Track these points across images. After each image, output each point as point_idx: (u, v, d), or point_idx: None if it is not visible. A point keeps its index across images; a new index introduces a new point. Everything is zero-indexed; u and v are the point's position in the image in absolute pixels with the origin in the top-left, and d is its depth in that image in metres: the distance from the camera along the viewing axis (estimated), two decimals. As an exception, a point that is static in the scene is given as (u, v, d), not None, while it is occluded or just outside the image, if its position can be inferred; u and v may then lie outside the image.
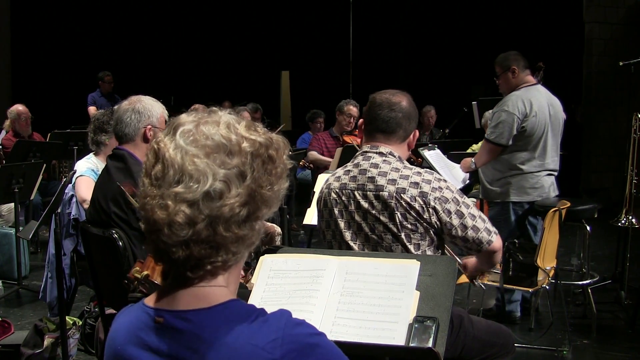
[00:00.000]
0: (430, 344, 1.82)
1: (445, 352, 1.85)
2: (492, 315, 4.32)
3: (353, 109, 6.52)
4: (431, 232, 2.41)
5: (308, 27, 11.36)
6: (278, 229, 4.76)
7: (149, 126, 2.98)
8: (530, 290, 3.92)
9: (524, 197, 4.28)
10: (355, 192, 2.45)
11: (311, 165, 6.77)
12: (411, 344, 1.83)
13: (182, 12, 11.51)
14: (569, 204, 3.98)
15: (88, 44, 10.84)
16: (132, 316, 1.20)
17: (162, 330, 1.15)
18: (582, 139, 9.14)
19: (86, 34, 10.92)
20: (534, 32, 9.32)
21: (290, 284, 2.03)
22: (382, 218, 2.40)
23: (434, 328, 1.85)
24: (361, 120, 2.63)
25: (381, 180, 2.41)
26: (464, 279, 3.88)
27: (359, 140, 5.72)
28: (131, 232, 2.80)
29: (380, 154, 2.48)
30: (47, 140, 6.87)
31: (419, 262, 1.99)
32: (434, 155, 4.33)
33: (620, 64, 5.01)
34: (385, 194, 2.39)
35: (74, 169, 4.18)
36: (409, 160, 2.60)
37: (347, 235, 2.47)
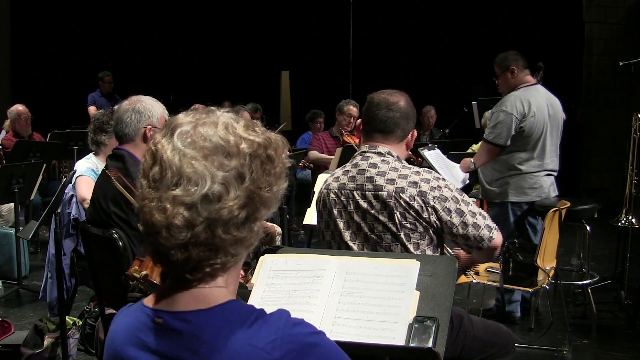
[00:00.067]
0: (430, 344, 1.82)
1: (445, 352, 1.85)
2: (492, 315, 4.31)
3: (353, 109, 6.52)
4: (430, 231, 2.41)
5: (308, 27, 11.37)
6: (278, 229, 4.77)
7: (149, 126, 2.98)
8: (530, 290, 3.92)
9: (522, 198, 4.28)
10: (354, 192, 2.45)
11: (311, 165, 6.77)
12: (411, 344, 1.83)
13: (182, 12, 11.51)
14: (569, 204, 3.98)
15: (88, 44, 10.84)
16: (132, 317, 1.20)
17: (161, 331, 1.15)
18: (582, 139, 9.14)
19: (86, 34, 10.92)
20: (534, 32, 9.32)
21: (290, 284, 2.03)
22: (381, 218, 2.40)
23: (434, 328, 1.85)
24: (359, 120, 2.64)
25: (380, 180, 2.41)
26: (464, 278, 3.90)
27: (357, 140, 5.73)
28: (131, 232, 2.80)
29: (379, 153, 2.48)
30: (47, 140, 6.87)
31: (419, 262, 1.99)
32: (434, 155, 4.33)
33: (620, 64, 5.00)
34: (384, 193, 2.39)
35: (74, 169, 4.19)
36: (409, 160, 2.60)
37: (347, 235, 2.47)
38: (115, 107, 3.26)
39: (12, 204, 5.41)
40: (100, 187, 2.99)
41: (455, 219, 2.38)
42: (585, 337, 4.23)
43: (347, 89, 9.61)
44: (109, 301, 3.08)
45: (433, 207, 2.37)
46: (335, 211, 2.49)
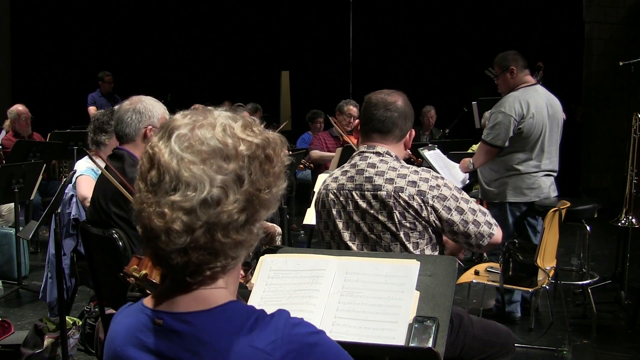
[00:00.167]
0: (430, 344, 1.82)
1: (445, 352, 1.85)
2: (492, 315, 4.31)
3: (353, 109, 6.52)
4: (429, 230, 2.41)
5: (308, 27, 11.37)
6: (278, 229, 4.77)
7: (150, 126, 2.98)
8: (530, 290, 3.92)
9: (520, 198, 4.27)
10: (353, 192, 2.45)
11: (311, 165, 6.77)
12: (411, 344, 1.83)
13: (182, 12, 11.51)
14: (568, 204, 3.98)
15: (88, 44, 10.84)
16: (132, 317, 1.20)
17: (161, 332, 1.14)
18: (582, 139, 9.13)
19: (86, 34, 10.92)
20: (534, 32, 9.32)
21: (290, 284, 2.03)
22: (380, 217, 2.40)
23: (433, 328, 1.85)
24: (357, 120, 2.64)
25: (379, 180, 2.41)
26: (464, 278, 3.90)
27: (355, 140, 5.73)
28: (131, 232, 2.80)
29: (377, 153, 2.49)
30: (47, 140, 6.88)
31: (418, 262, 1.99)
32: (433, 155, 4.33)
33: (620, 64, 5.01)
34: (383, 193, 2.39)
35: (74, 169, 4.19)
36: (409, 160, 2.60)
37: (346, 235, 2.47)
38: (116, 107, 3.26)
39: (12, 204, 5.41)
40: (100, 187, 2.99)
41: (456, 217, 2.38)
42: (585, 337, 4.23)
43: (347, 89, 9.61)
44: (109, 301, 3.08)
45: (432, 207, 2.37)
46: (334, 211, 2.49)
